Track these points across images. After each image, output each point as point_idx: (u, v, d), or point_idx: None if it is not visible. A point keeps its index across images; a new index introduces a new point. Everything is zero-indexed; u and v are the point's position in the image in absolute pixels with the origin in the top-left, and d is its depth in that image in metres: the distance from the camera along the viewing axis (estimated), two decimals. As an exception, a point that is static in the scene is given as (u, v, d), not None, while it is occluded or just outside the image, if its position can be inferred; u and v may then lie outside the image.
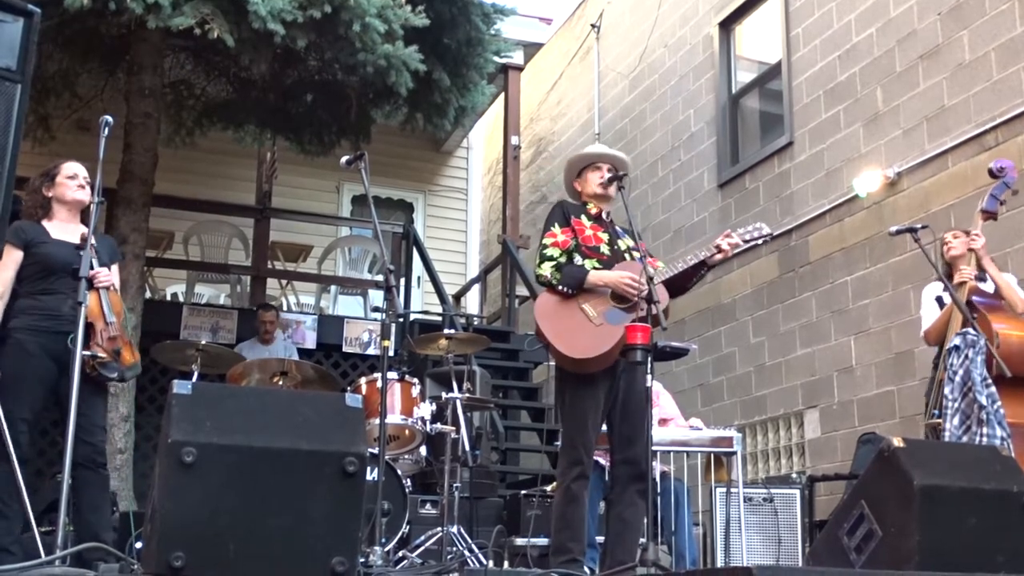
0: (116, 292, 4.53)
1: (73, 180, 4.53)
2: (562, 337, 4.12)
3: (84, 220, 4.55)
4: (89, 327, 4.24)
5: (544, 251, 4.27)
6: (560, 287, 4.19)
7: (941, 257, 5.29)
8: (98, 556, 3.72)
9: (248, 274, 9.64)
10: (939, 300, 5.09)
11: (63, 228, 4.49)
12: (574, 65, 12.16)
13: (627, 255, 4.33)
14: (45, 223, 4.48)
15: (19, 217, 4.46)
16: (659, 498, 5.50)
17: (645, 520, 4.00)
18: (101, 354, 4.26)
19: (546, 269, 4.23)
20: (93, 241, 4.30)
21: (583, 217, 4.37)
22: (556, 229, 4.30)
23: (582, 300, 4.18)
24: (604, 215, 4.44)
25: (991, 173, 5.08)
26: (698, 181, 9.35)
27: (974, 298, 4.79)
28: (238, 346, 8.28)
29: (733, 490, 5.84)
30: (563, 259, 4.25)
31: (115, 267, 4.60)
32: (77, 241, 4.41)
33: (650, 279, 3.95)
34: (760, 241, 4.57)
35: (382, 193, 11.57)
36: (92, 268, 4.18)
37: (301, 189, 10.95)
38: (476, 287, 12.04)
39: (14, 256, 4.33)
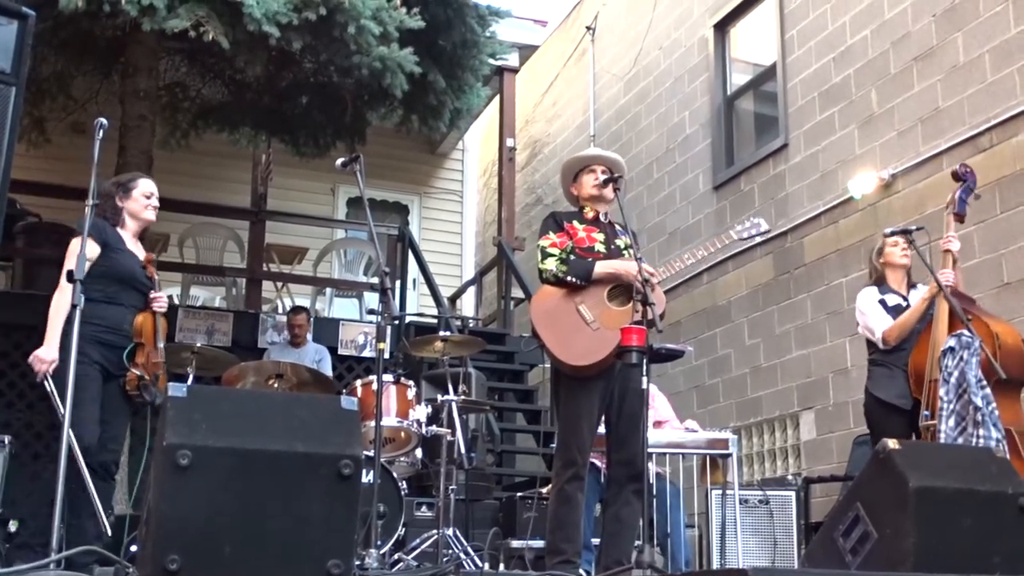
0: (165, 319, 4.59)
1: (149, 200, 4.58)
2: (560, 342, 4.12)
3: (142, 239, 4.66)
4: (138, 347, 4.32)
5: (544, 250, 4.28)
6: (568, 278, 4.20)
7: (879, 256, 5.24)
8: (93, 560, 3.72)
9: (243, 276, 9.64)
10: (882, 303, 5.10)
11: (132, 242, 4.54)
12: (569, 67, 12.16)
13: (625, 253, 4.34)
14: (119, 230, 4.50)
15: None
16: (653, 500, 5.50)
17: (641, 521, 4.00)
18: (147, 376, 4.28)
19: (551, 264, 4.23)
20: (141, 254, 4.50)
21: (575, 222, 4.39)
22: (551, 235, 4.32)
23: (579, 301, 4.18)
24: (602, 216, 4.44)
25: (955, 176, 5.10)
26: (693, 183, 9.36)
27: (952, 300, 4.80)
28: (268, 349, 8.29)
29: (729, 492, 5.84)
30: (564, 256, 4.25)
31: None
32: (142, 258, 4.51)
33: (646, 281, 3.96)
34: (759, 238, 4.59)
35: (377, 195, 11.57)
36: (154, 290, 4.42)
37: (296, 191, 10.95)
38: (472, 289, 12.04)
39: (91, 250, 4.23)
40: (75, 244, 4.26)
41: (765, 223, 4.56)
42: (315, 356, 7.92)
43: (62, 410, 3.70)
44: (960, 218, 5.03)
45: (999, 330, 4.66)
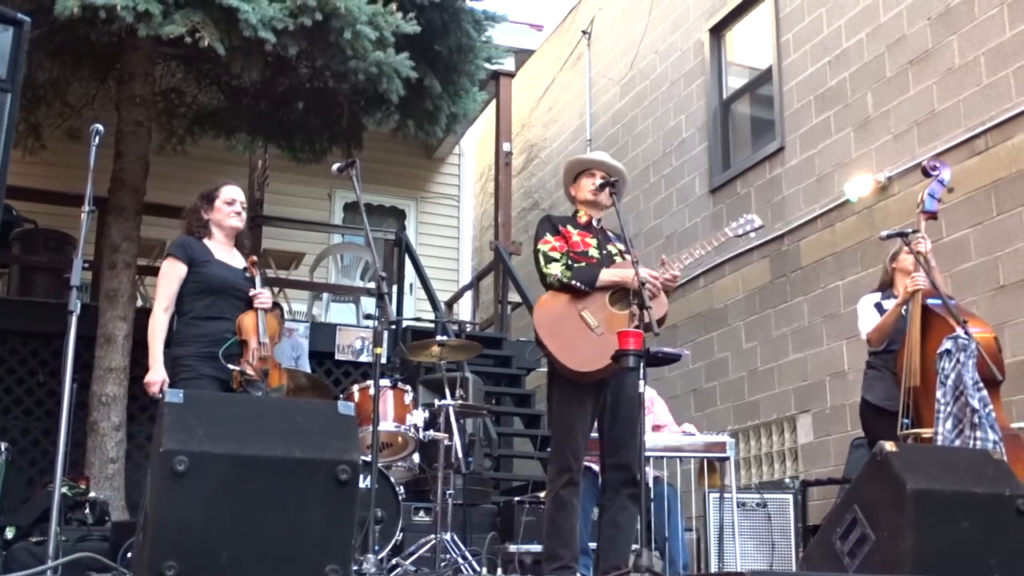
0: (274, 316, 4.63)
1: (231, 206, 4.60)
2: (565, 349, 4.11)
3: (238, 244, 4.68)
4: (242, 344, 4.36)
5: (546, 254, 4.27)
6: (573, 283, 4.19)
7: (891, 260, 5.22)
8: (90, 567, 3.72)
9: (240, 282, 9.61)
10: (878, 307, 5.09)
11: (223, 251, 4.58)
12: (565, 71, 12.17)
13: (616, 259, 4.34)
14: (207, 242, 4.55)
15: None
16: (651, 503, 5.50)
17: (639, 525, 3.99)
18: (249, 372, 4.30)
19: (555, 269, 4.22)
20: (237, 260, 4.52)
21: (570, 226, 4.39)
22: (548, 236, 4.32)
23: (582, 307, 4.18)
24: (595, 222, 4.45)
25: (925, 172, 5.02)
26: (689, 187, 9.37)
27: (928, 301, 4.77)
28: None
29: (726, 495, 5.85)
30: (567, 261, 4.25)
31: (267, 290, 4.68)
32: (239, 265, 4.55)
33: (642, 284, 3.96)
34: (752, 233, 4.60)
35: (374, 200, 11.55)
36: (255, 288, 4.44)
37: (293, 196, 10.93)
38: (468, 294, 12.02)
39: (178, 270, 4.41)
40: (166, 266, 4.45)
41: (759, 219, 4.57)
42: (292, 353, 7.87)
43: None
44: (931, 216, 4.95)
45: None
